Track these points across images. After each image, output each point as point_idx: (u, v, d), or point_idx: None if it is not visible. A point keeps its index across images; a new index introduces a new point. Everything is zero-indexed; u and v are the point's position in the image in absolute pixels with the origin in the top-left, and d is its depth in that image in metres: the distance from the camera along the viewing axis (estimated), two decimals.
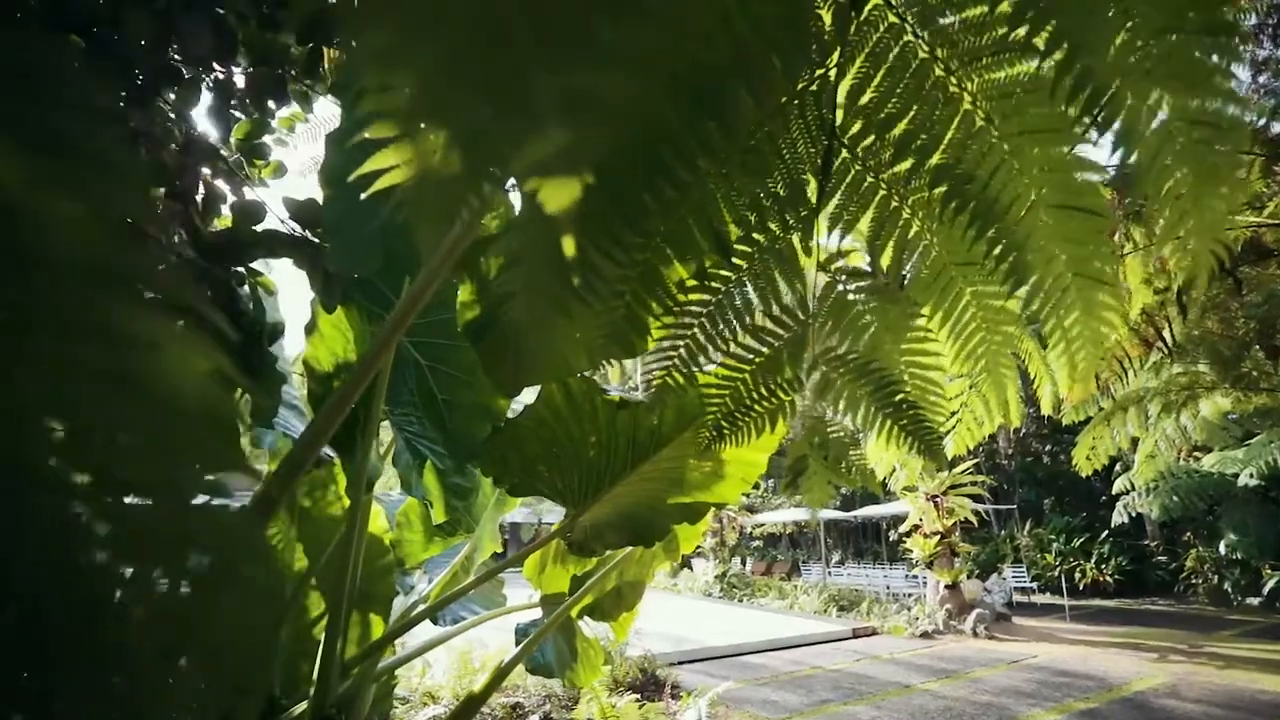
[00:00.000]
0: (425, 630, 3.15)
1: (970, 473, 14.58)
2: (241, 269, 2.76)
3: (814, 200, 0.94)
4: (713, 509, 2.38)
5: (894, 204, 0.92)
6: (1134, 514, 14.84)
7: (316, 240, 2.80)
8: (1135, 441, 8.11)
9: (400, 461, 2.74)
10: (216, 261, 2.63)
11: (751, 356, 0.95)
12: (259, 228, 2.69)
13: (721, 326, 0.93)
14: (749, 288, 0.93)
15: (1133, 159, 0.86)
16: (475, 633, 4.97)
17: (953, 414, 4.62)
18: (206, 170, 2.60)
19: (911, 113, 0.86)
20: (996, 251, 0.89)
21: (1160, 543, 17.76)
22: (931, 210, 0.93)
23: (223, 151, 2.67)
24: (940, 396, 0.92)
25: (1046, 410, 5.62)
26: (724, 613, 15.59)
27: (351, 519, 2.12)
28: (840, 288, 0.94)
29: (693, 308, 0.92)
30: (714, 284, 0.91)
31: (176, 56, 2.48)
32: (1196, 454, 12.94)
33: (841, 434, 0.99)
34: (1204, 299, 5.56)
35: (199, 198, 2.71)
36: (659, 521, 2.28)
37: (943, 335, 0.94)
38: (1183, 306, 5.13)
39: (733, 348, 0.95)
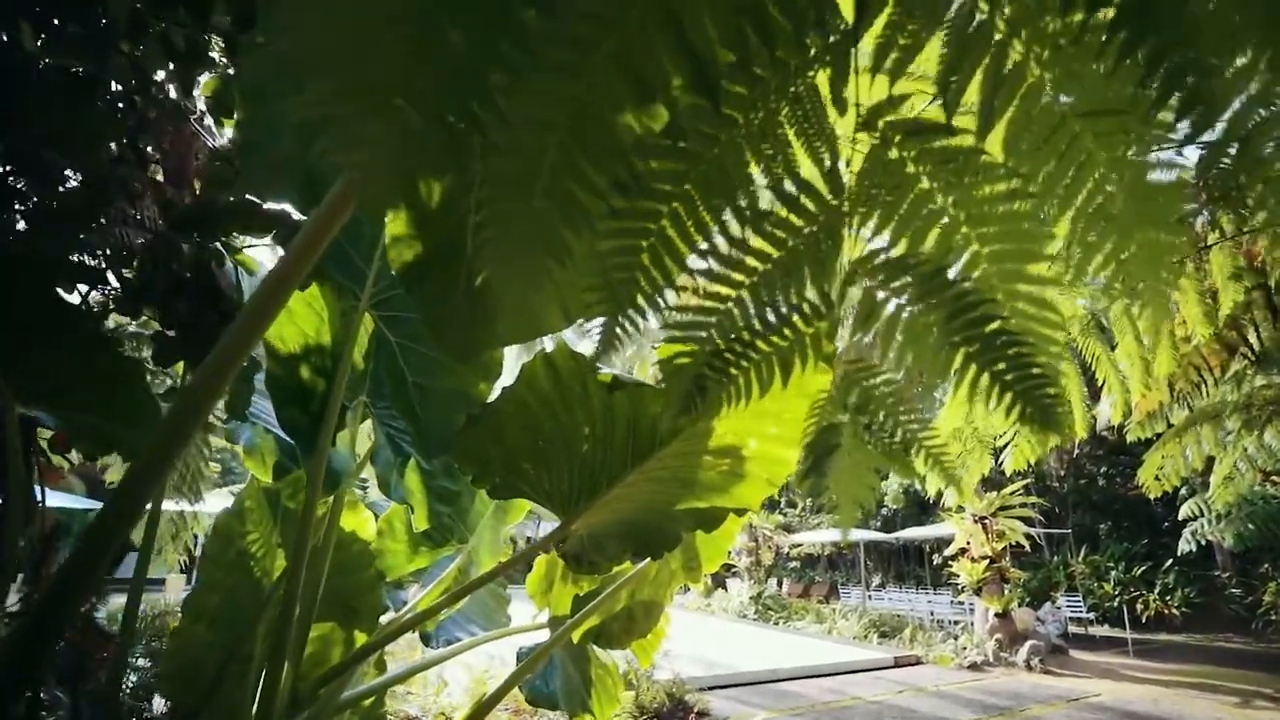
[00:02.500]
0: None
1: (1020, 494, 13.81)
2: (219, 245, 2.53)
3: (851, 18, 0.60)
4: (733, 516, 2.02)
5: (980, 15, 0.57)
6: (1203, 542, 13.79)
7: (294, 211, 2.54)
8: (1210, 462, 7.41)
9: (379, 459, 2.45)
10: (188, 234, 2.40)
11: (752, 263, 0.61)
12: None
13: (704, 213, 0.59)
14: (747, 152, 0.59)
15: None
16: (495, 650, 4.65)
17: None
18: (171, 129, 2.39)
19: None
20: (1158, 81, 0.53)
21: (1233, 574, 16.51)
22: (1040, 25, 0.58)
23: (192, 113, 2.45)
24: (1058, 328, 0.57)
25: (1116, 419, 5.07)
26: (759, 636, 15.00)
27: (304, 524, 1.83)
28: (894, 154, 0.60)
29: (659, 183, 0.59)
30: (692, 144, 0.58)
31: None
32: (1275, 478, 11.94)
33: (895, 391, 0.63)
34: None
35: (168, 163, 2.49)
36: (667, 529, 1.93)
37: (1061, 229, 0.59)
38: (1274, 308, 4.56)
39: (723, 248, 0.61)
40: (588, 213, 0.60)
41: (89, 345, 1.48)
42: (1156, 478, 7.26)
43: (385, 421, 2.34)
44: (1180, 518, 13.11)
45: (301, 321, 2.15)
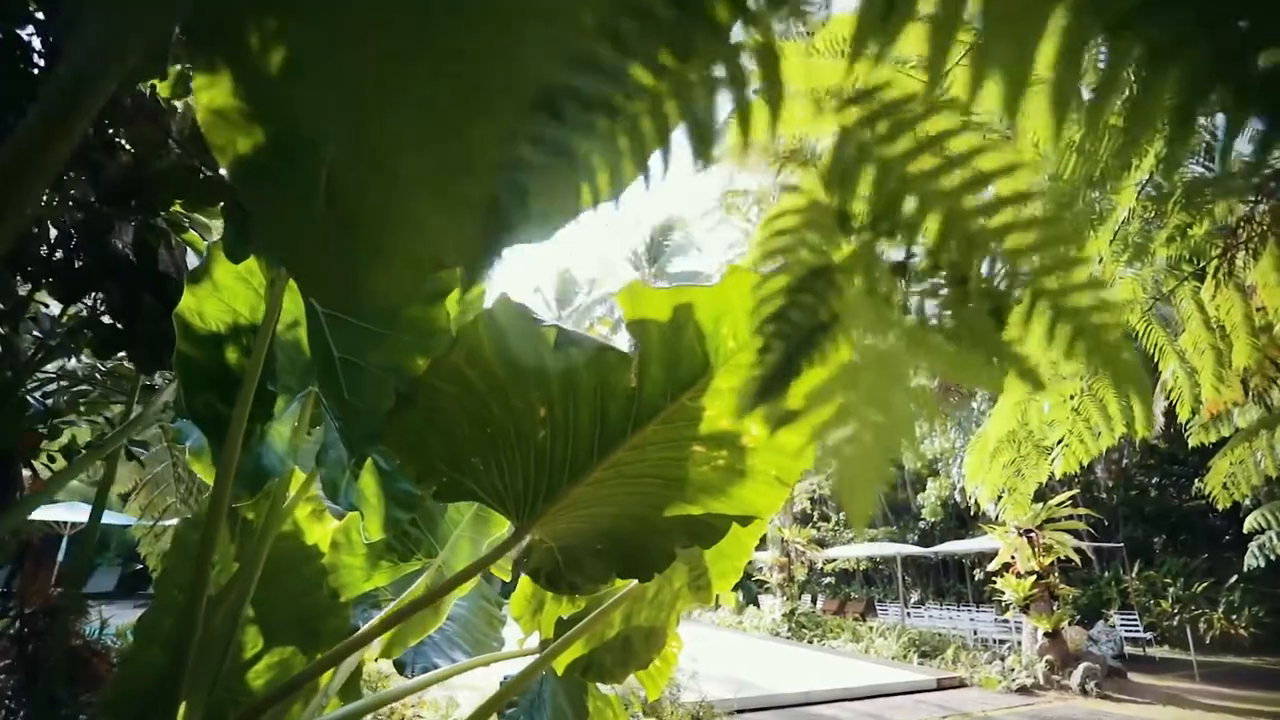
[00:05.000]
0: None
1: (1067, 505, 13.05)
2: (160, 220, 2.26)
3: None
4: (740, 527, 1.63)
5: None
6: (1271, 557, 12.82)
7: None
8: None
9: (329, 459, 2.13)
10: (122, 205, 2.13)
11: None
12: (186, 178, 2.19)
13: None
14: None
15: None
16: (508, 671, 4.30)
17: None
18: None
19: None
20: None
21: None
22: None
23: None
24: None
25: (1184, 415, 4.52)
26: (792, 655, 14.39)
27: (208, 529, 1.51)
28: None
29: None
30: None
31: None
32: None
33: (970, 156, 0.27)
34: None
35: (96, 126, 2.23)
36: (655, 543, 1.55)
37: None
38: None
39: None
40: None
41: None
42: (1225, 486, 6.60)
43: (336, 415, 2.02)
44: (1245, 530, 12.21)
45: (230, 297, 1.85)
